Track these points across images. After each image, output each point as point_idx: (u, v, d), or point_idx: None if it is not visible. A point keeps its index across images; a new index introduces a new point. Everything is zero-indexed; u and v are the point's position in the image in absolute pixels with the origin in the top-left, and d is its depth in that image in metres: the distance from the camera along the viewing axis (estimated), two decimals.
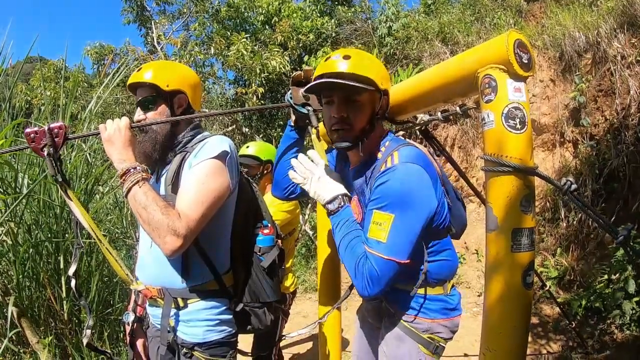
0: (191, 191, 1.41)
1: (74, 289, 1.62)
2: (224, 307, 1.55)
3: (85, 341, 1.59)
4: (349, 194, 1.48)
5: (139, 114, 1.60)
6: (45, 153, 1.42)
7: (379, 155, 1.47)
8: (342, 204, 1.43)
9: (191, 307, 1.51)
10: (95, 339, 2.83)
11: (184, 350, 1.50)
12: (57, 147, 1.45)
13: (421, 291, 1.53)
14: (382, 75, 1.45)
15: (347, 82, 1.36)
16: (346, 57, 1.41)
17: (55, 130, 1.43)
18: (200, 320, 1.51)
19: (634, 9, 4.30)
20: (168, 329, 1.52)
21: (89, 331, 1.60)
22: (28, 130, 1.40)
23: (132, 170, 1.40)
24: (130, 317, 1.67)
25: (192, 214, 1.37)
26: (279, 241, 1.71)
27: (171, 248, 1.34)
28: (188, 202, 1.39)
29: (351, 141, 1.44)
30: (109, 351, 1.87)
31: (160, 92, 1.57)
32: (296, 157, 1.55)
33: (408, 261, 1.31)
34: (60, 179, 1.48)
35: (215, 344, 1.51)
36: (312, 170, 1.49)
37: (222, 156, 1.47)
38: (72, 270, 1.60)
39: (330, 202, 1.43)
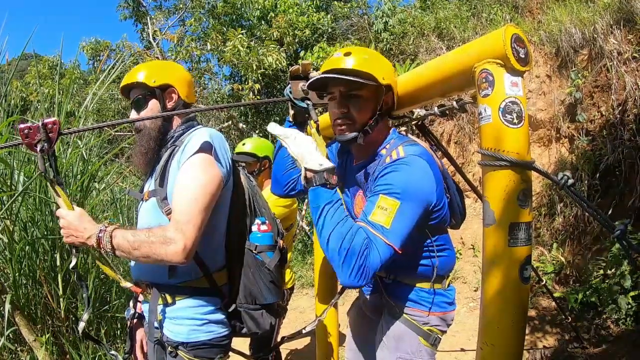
0: (183, 191, 1.39)
1: (76, 279, 1.58)
2: (214, 307, 1.51)
3: (81, 327, 1.55)
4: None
5: (133, 115, 1.61)
6: (39, 149, 1.37)
7: (384, 152, 1.49)
8: (333, 181, 1.30)
9: (179, 304, 1.48)
10: (92, 336, 2.82)
11: (169, 348, 1.47)
12: (52, 143, 1.40)
13: (425, 286, 1.57)
14: (385, 70, 1.46)
15: (344, 77, 1.37)
16: (347, 54, 1.43)
17: (49, 125, 1.39)
18: (185, 319, 1.47)
19: (630, 5, 4.30)
20: (156, 325, 1.50)
21: (82, 324, 1.55)
22: (22, 125, 1.37)
23: (100, 234, 1.38)
24: (130, 313, 1.66)
25: (184, 217, 1.35)
26: (281, 241, 1.64)
27: (176, 257, 1.33)
28: (181, 203, 1.37)
29: (353, 135, 1.46)
30: (103, 342, 1.85)
31: (148, 88, 1.58)
32: None
33: (401, 251, 1.28)
34: (51, 176, 1.43)
35: (202, 344, 1.47)
36: (288, 134, 1.37)
37: (206, 148, 1.44)
38: (72, 264, 1.54)
39: (324, 171, 1.28)
